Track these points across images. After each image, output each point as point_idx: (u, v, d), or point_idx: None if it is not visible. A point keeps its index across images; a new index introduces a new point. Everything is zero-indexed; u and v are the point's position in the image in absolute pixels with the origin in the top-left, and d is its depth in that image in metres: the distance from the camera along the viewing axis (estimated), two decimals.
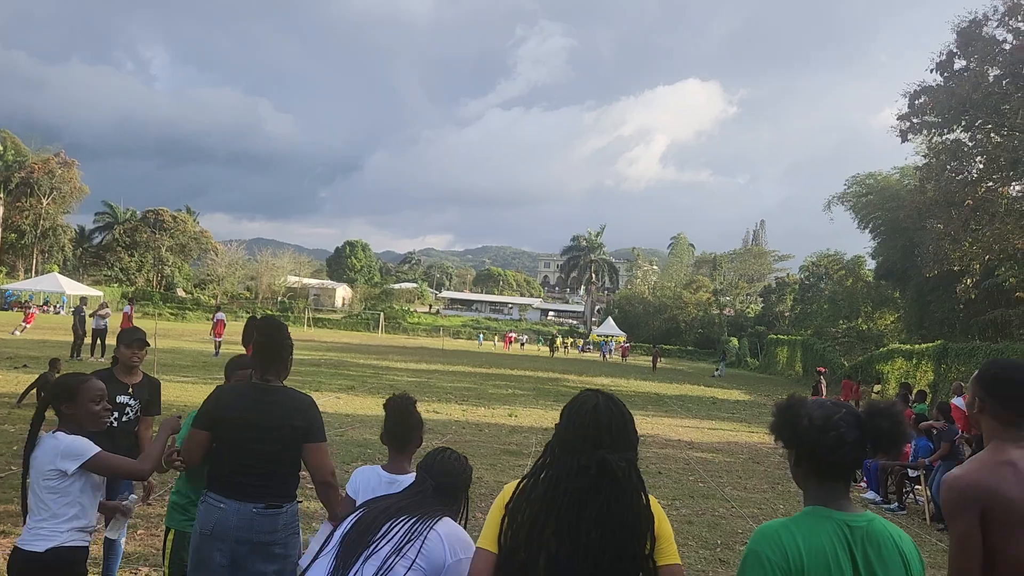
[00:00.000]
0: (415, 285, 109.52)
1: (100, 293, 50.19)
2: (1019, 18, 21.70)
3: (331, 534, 3.15)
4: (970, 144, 23.84)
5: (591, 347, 66.19)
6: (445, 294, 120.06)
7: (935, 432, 9.90)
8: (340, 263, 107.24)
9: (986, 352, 20.62)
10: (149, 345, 4.72)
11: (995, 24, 22.32)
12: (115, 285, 65.75)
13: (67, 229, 69.16)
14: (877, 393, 25.42)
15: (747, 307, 78.38)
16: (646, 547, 2.04)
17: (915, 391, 16.09)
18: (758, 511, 8.43)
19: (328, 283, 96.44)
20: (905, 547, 1.92)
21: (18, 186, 63.21)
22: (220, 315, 25.71)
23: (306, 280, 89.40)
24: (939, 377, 22.91)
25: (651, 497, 2.12)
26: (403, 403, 3.26)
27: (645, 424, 15.74)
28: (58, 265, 64.33)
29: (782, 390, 31.32)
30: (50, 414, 3.19)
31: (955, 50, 23.22)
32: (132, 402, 4.53)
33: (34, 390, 10.88)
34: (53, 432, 3.06)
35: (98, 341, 20.33)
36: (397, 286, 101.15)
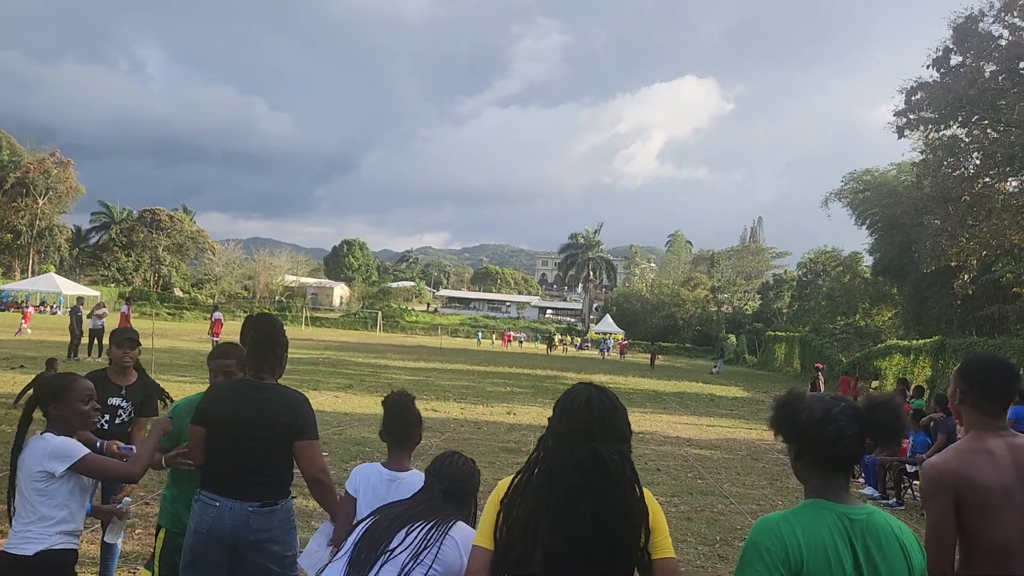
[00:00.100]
0: (413, 284, 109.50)
1: (97, 293, 50.11)
2: (1015, 14, 21.72)
3: (342, 538, 3.16)
4: (967, 140, 23.87)
5: (589, 345, 66.21)
6: (443, 292, 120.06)
7: (932, 424, 9.92)
8: (337, 262, 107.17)
9: (983, 348, 20.65)
10: (140, 345, 4.63)
11: (991, 20, 22.35)
12: (112, 285, 65.62)
13: (63, 229, 69.04)
14: (875, 389, 25.43)
15: (745, 304, 78.47)
16: (640, 540, 2.03)
17: (913, 387, 16.13)
18: (757, 507, 8.43)
19: (326, 282, 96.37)
20: (905, 539, 1.92)
21: (13, 186, 63.10)
22: (217, 315, 25.69)
23: (304, 279, 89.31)
24: (937, 373, 22.94)
25: (645, 490, 2.11)
26: (402, 400, 3.25)
27: (643, 421, 15.75)
28: (54, 265, 64.20)
29: (780, 387, 31.36)
30: (38, 415, 3.14)
31: (951, 46, 23.23)
32: (125, 404, 4.47)
33: (31, 390, 10.85)
34: (41, 433, 3.02)
35: (95, 341, 20.30)
36: (395, 285, 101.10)
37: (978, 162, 23.23)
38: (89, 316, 20.80)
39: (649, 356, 43.23)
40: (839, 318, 47.51)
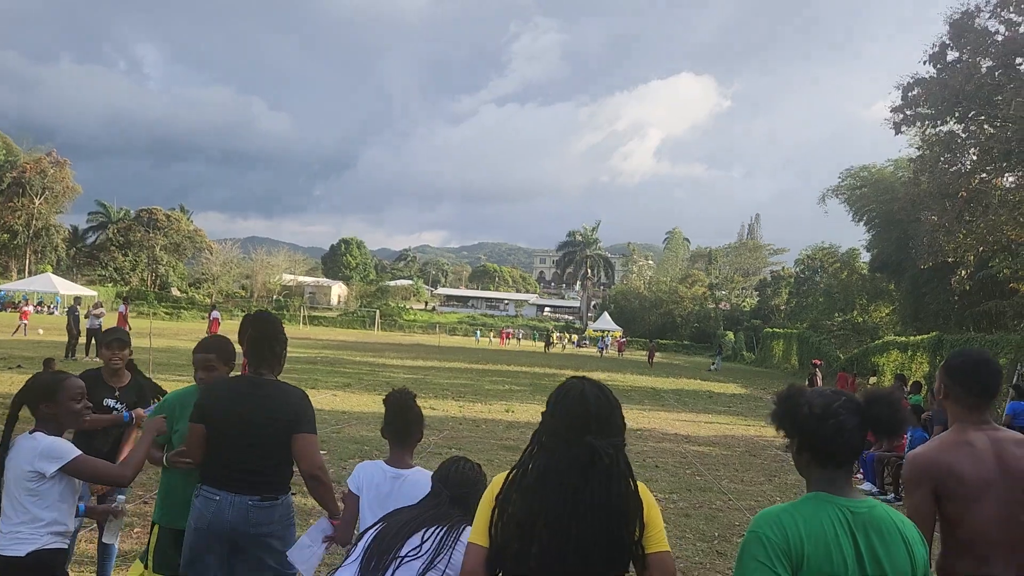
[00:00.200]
0: (411, 282, 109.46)
1: (94, 293, 50.04)
2: (1011, 9, 21.74)
3: (347, 538, 3.18)
4: (963, 136, 23.88)
5: (587, 342, 66.24)
6: (441, 291, 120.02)
7: (928, 418, 9.94)
8: (335, 261, 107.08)
9: (981, 343, 20.68)
10: (130, 346, 4.55)
11: (987, 15, 22.36)
12: (109, 285, 65.52)
13: (60, 229, 68.91)
14: (872, 385, 25.49)
15: (743, 301, 78.57)
16: (635, 534, 2.02)
17: (910, 382, 16.16)
18: (755, 503, 8.44)
19: (323, 281, 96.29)
20: (907, 532, 1.93)
21: (10, 186, 62.95)
22: (215, 314, 25.67)
23: (301, 278, 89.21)
24: (934, 369, 22.95)
25: (640, 483, 2.10)
26: (403, 398, 3.26)
27: (642, 418, 15.77)
28: (51, 265, 64.12)
29: (778, 383, 31.39)
30: (25, 414, 3.09)
31: (948, 42, 23.25)
32: (119, 406, 4.40)
33: None
34: (32, 433, 2.98)
35: (92, 341, 20.28)
36: (393, 283, 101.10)
37: (975, 158, 23.23)
38: (87, 316, 20.77)
39: (647, 353, 43.27)
40: (837, 314, 47.56)
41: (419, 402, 3.35)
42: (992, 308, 25.97)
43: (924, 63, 24.20)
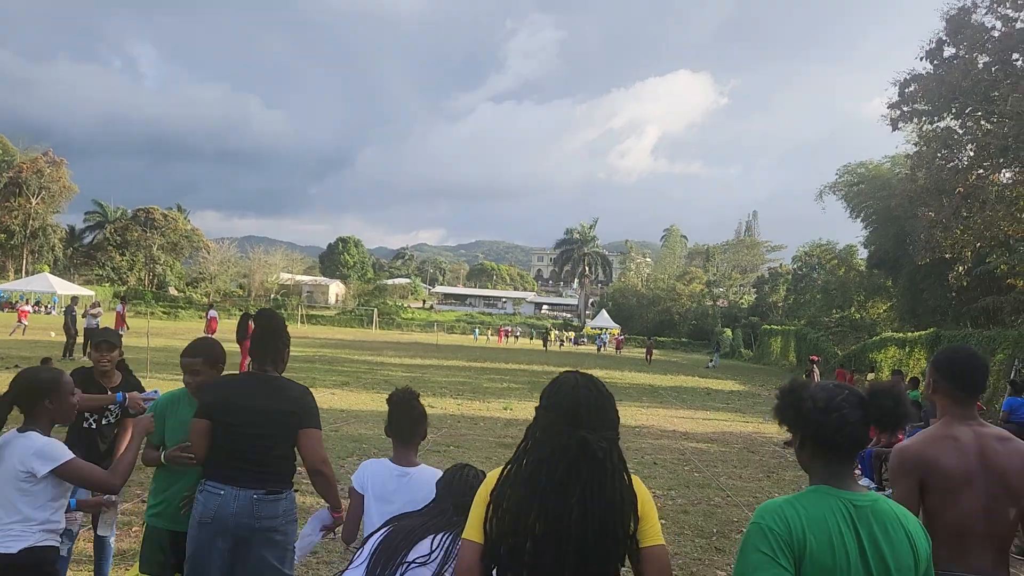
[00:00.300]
0: (408, 281, 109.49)
1: (92, 293, 50.00)
2: (1007, 5, 21.72)
3: (351, 536, 3.25)
4: (960, 132, 23.86)
5: (585, 340, 66.28)
6: (439, 289, 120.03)
7: (923, 412, 9.95)
8: (333, 259, 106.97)
9: (978, 339, 20.72)
10: (119, 347, 4.50)
11: (984, 11, 22.33)
12: (107, 284, 65.48)
13: (57, 229, 68.79)
14: (869, 382, 25.52)
15: (740, 298, 78.61)
16: (629, 527, 2.01)
17: (908, 378, 16.16)
18: (753, 499, 8.45)
19: (321, 280, 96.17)
20: (910, 525, 1.93)
21: (6, 186, 62.85)
22: (212, 313, 25.63)
23: (299, 277, 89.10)
24: None
25: (634, 477, 2.09)
26: (406, 397, 3.28)
27: (640, 415, 15.78)
28: (48, 265, 64.01)
29: (776, 380, 31.42)
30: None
31: (945, 38, 23.22)
32: (112, 406, 4.37)
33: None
34: (24, 431, 2.95)
35: (90, 341, 20.24)
36: (390, 282, 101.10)
37: (972, 154, 23.22)
38: (84, 315, 20.73)
39: (645, 351, 43.29)
40: (834, 311, 47.57)
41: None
42: (989, 304, 25.99)
43: (921, 59, 24.17)
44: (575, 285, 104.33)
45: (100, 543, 4.54)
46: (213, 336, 24.93)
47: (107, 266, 72.15)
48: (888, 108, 25.72)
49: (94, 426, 4.34)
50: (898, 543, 1.88)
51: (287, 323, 3.66)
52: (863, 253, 43.17)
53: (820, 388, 2.01)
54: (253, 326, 3.51)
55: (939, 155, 23.92)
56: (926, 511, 2.56)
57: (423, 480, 3.06)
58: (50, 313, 47.79)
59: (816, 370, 18.66)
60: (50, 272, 57.36)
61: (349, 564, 2.58)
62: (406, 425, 3.24)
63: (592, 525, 1.97)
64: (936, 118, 24.63)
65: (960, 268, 25.64)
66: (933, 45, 23.56)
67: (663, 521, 7.09)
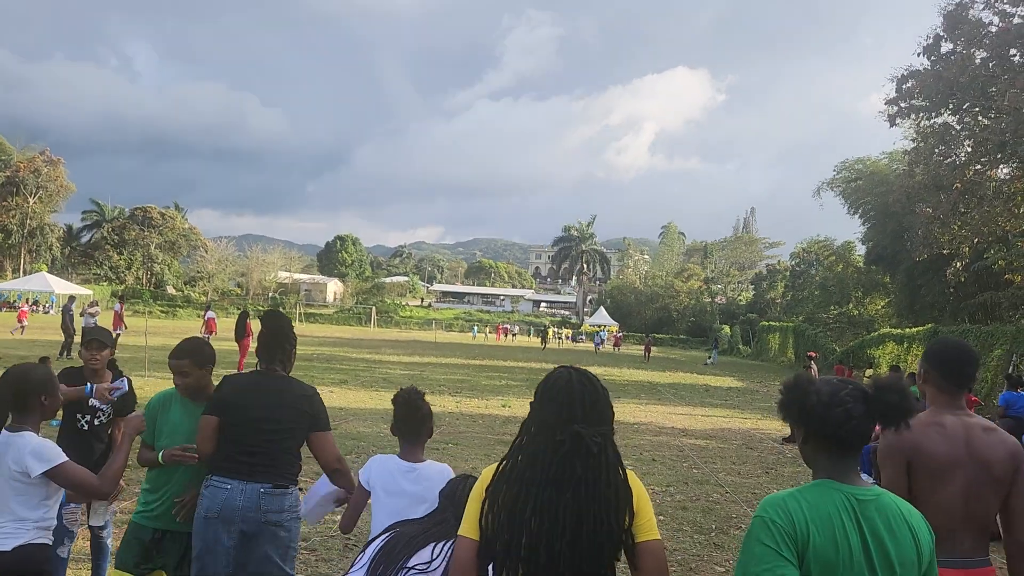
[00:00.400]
0: (406, 279, 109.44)
1: (90, 292, 49.93)
2: (1004, 0, 21.73)
3: (349, 526, 3.35)
4: (958, 127, 23.88)
5: (583, 337, 66.31)
6: (437, 287, 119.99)
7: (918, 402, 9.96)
8: (331, 258, 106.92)
9: (976, 335, 20.75)
10: (109, 346, 4.47)
11: (981, 6, 22.33)
12: (104, 283, 65.38)
13: (54, 228, 68.64)
14: (869, 378, 25.54)
15: (738, 295, 78.73)
16: (624, 522, 2.01)
17: (906, 374, 16.18)
18: (752, 496, 8.46)
19: (319, 278, 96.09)
20: (913, 520, 1.94)
21: (3, 185, 62.69)
22: (211, 314, 25.57)
23: (297, 275, 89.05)
24: None
25: (629, 471, 2.09)
26: (411, 397, 3.33)
27: (639, 412, 15.80)
28: (46, 264, 63.89)
29: (774, 376, 31.47)
30: None
31: (942, 33, 23.22)
32: (104, 406, 4.34)
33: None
34: (18, 431, 2.93)
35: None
36: (388, 280, 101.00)
37: (969, 149, 23.22)
38: (82, 314, 20.69)
39: (643, 348, 43.30)
40: (832, 307, 47.67)
41: None
42: (987, 299, 26.04)
43: (918, 55, 24.16)
44: (573, 282, 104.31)
45: (97, 543, 4.53)
46: (206, 336, 24.94)
47: (105, 265, 72.01)
48: (886, 104, 25.73)
49: (86, 428, 4.28)
50: (901, 538, 1.88)
51: None
52: (861, 249, 43.26)
53: (824, 383, 2.01)
54: (261, 327, 3.57)
55: (937, 151, 23.93)
56: (912, 496, 2.61)
57: (429, 475, 3.12)
58: (48, 312, 47.72)
59: (814, 366, 18.65)
60: (48, 271, 57.27)
61: (350, 568, 2.60)
62: (412, 424, 3.29)
63: (587, 520, 1.97)
64: (934, 114, 24.64)
65: (958, 264, 25.68)
66: (931, 41, 23.55)
67: (662, 517, 7.10)
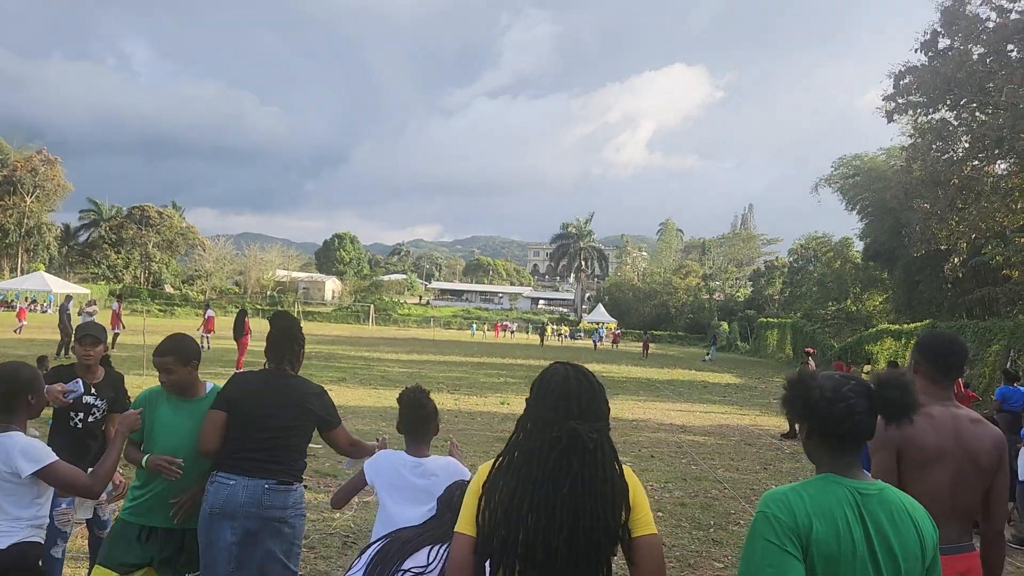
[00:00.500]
0: (404, 277, 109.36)
1: (87, 291, 49.86)
2: None
3: (340, 501, 3.47)
4: (955, 123, 23.90)
5: (582, 335, 66.31)
6: (435, 285, 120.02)
7: None
8: (329, 256, 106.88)
9: (974, 330, 20.76)
10: (103, 342, 4.46)
11: (979, 2, 22.33)
12: (102, 282, 65.26)
13: (52, 227, 68.55)
14: (867, 374, 25.58)
15: (737, 291, 78.71)
16: (621, 517, 2.01)
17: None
18: (751, 492, 8.47)
19: (317, 276, 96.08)
20: (917, 514, 1.94)
21: (1, 184, 62.63)
22: (210, 312, 25.53)
23: (295, 274, 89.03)
24: None
25: (625, 467, 2.09)
26: (416, 395, 3.36)
27: (637, 409, 15.80)
28: (44, 264, 63.80)
29: (773, 373, 31.51)
30: None
31: (939, 29, 23.21)
32: (98, 402, 4.31)
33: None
34: (5, 431, 2.91)
35: None
36: (386, 278, 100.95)
37: (967, 145, 23.23)
38: (79, 313, 20.64)
39: (642, 345, 43.30)
40: (830, 303, 47.68)
41: None
42: (985, 295, 26.08)
43: (916, 51, 24.17)
44: (571, 280, 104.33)
45: (97, 542, 4.52)
46: (205, 335, 24.85)
47: (102, 264, 71.95)
48: (883, 100, 25.73)
49: (80, 425, 4.24)
50: (905, 532, 1.89)
51: None
52: (859, 245, 43.28)
53: (827, 378, 2.01)
54: (270, 327, 3.63)
55: (934, 147, 23.94)
56: (902, 481, 2.68)
57: (434, 470, 3.17)
58: (46, 312, 47.64)
59: (811, 362, 18.69)
60: (45, 271, 57.15)
61: (347, 572, 2.62)
62: (420, 423, 3.33)
63: (584, 516, 1.97)
64: (931, 110, 24.65)
65: (955, 259, 25.68)
66: (928, 37, 23.55)
67: (660, 514, 7.11)
